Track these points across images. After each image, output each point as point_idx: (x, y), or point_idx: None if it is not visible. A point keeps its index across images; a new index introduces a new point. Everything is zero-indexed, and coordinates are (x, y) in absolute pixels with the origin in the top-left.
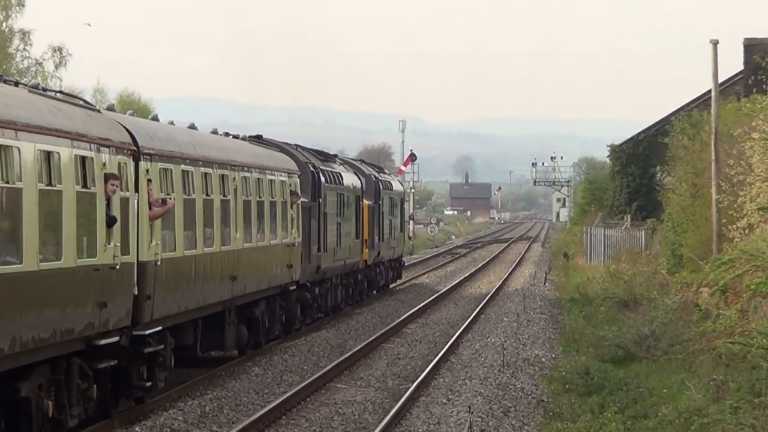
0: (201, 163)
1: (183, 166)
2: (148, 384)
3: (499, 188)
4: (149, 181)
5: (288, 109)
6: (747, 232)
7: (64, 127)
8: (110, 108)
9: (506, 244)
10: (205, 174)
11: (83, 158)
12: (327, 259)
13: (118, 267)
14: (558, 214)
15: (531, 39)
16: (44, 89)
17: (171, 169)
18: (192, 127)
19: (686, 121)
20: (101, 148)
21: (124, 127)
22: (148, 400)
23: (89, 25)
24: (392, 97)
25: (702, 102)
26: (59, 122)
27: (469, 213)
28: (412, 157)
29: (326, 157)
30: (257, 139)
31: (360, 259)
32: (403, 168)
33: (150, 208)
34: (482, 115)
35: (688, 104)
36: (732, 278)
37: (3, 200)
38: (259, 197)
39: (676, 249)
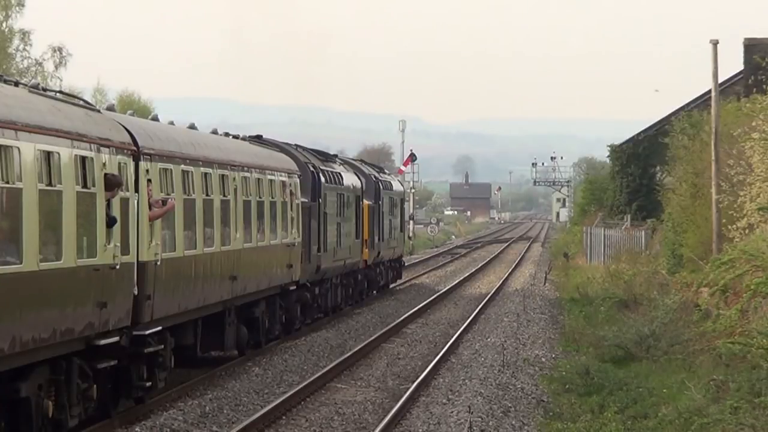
0: (201, 163)
1: (183, 166)
2: (148, 384)
3: (499, 188)
4: (149, 181)
5: (288, 109)
6: (747, 232)
7: (64, 127)
8: (110, 108)
9: (506, 244)
10: (205, 174)
11: (83, 158)
12: (327, 259)
13: (118, 267)
14: (558, 214)
15: (531, 39)
16: (44, 89)
17: (171, 169)
18: (192, 127)
19: (686, 121)
20: (101, 148)
21: (124, 127)
22: (148, 400)
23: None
24: (392, 97)
25: (702, 102)
26: (59, 122)
27: (469, 213)
28: (412, 157)
29: (326, 157)
30: (257, 139)
31: (360, 259)
32: (403, 168)
33: (150, 209)
34: (482, 115)
35: (688, 104)
36: (732, 278)
37: (3, 200)
38: (259, 197)
39: (676, 249)
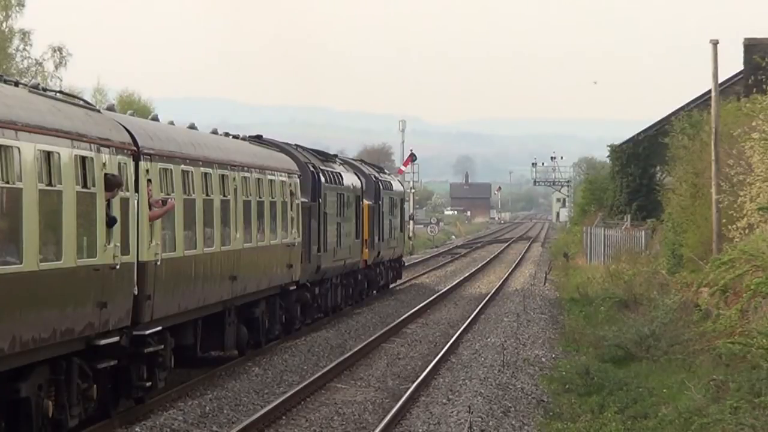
0: (201, 163)
1: (183, 166)
2: (148, 384)
3: (499, 188)
4: (149, 181)
5: (288, 109)
6: (747, 232)
7: (64, 127)
8: (110, 108)
9: (506, 244)
10: (205, 174)
11: (83, 158)
12: (327, 259)
13: (118, 267)
14: (558, 214)
15: (531, 39)
16: (44, 89)
17: (171, 169)
18: (192, 127)
19: (686, 121)
20: (101, 148)
21: (124, 127)
22: (148, 400)
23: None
24: (392, 97)
25: (702, 102)
26: (59, 122)
27: (469, 213)
28: (412, 157)
29: (326, 157)
30: (257, 139)
31: (360, 259)
32: (403, 168)
33: (150, 209)
34: (482, 115)
35: (688, 104)
36: (732, 278)
37: (3, 200)
38: (259, 197)
39: (676, 249)
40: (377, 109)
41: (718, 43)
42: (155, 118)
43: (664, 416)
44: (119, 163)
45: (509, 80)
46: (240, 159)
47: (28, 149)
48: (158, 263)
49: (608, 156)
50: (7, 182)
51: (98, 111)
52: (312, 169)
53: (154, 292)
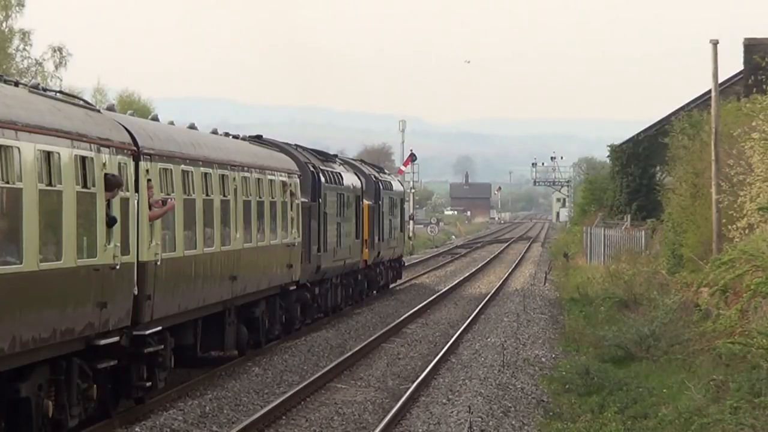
0: (201, 163)
1: (183, 166)
2: (148, 384)
3: (499, 188)
4: (149, 181)
5: (288, 109)
6: (747, 232)
7: (64, 127)
8: (110, 108)
9: (506, 244)
10: (205, 174)
11: (83, 158)
12: (327, 259)
13: (118, 267)
14: (558, 214)
15: (531, 39)
16: (44, 89)
17: (171, 169)
18: (192, 127)
19: (686, 121)
20: (101, 148)
21: (124, 127)
22: (148, 400)
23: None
24: (392, 97)
25: (702, 102)
26: (59, 122)
27: (469, 213)
28: (412, 157)
29: (326, 157)
30: (257, 139)
31: (360, 259)
32: (403, 168)
33: (150, 209)
34: (482, 115)
35: (688, 104)
36: (732, 278)
37: (3, 200)
38: (259, 197)
39: (676, 249)
40: (377, 109)
41: (718, 43)
42: (155, 118)
43: (664, 416)
44: (119, 163)
45: (509, 80)
46: (240, 159)
47: (28, 149)
48: (158, 263)
49: (608, 156)
50: (7, 182)
51: (98, 111)
52: (312, 169)
53: (154, 292)
